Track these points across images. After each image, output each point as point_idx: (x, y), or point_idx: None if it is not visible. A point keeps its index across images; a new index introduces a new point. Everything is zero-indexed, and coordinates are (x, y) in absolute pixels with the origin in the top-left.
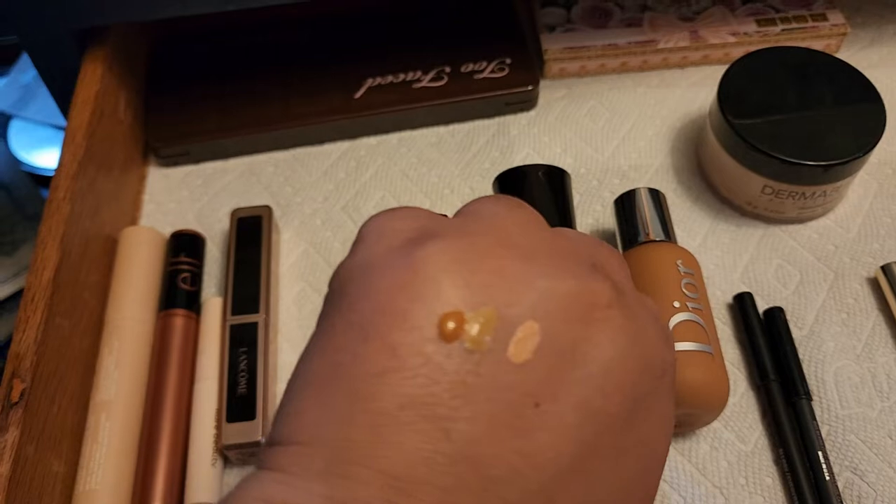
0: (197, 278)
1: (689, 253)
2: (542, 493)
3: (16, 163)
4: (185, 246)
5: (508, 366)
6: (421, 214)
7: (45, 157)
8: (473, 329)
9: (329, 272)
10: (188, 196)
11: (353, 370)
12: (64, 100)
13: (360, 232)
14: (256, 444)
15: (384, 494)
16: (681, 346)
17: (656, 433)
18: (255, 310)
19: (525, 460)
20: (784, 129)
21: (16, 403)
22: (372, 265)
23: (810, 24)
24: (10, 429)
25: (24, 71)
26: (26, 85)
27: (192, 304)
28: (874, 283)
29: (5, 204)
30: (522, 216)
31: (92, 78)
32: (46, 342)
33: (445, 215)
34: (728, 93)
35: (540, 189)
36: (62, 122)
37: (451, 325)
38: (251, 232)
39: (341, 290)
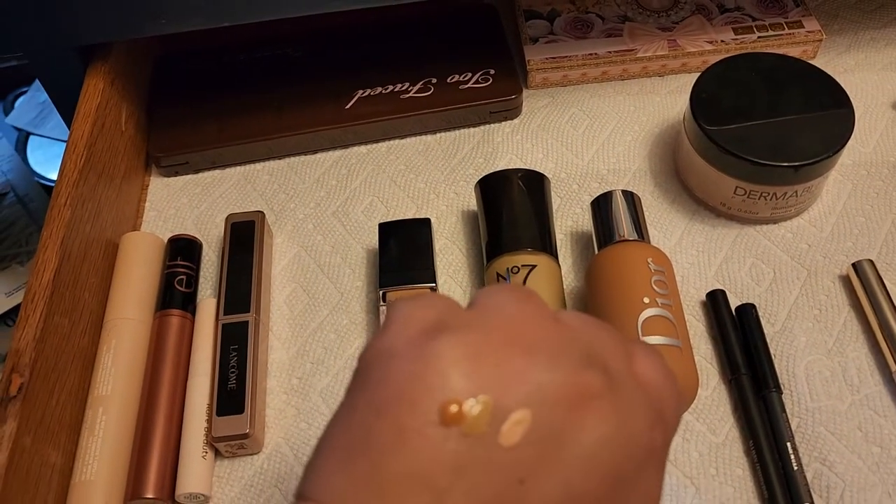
0: (193, 280)
1: (661, 252)
2: None
3: (33, 177)
4: (182, 250)
5: (499, 448)
6: (439, 304)
7: None
8: (471, 416)
9: (319, 274)
10: (187, 203)
11: (368, 443)
12: (68, 113)
13: (387, 315)
14: (244, 436)
15: None
16: (650, 339)
17: (641, 496)
18: (247, 309)
19: None
20: (755, 132)
21: (14, 397)
22: (392, 353)
23: (787, 31)
24: (8, 420)
25: (42, 90)
26: (43, 102)
27: (188, 305)
28: (846, 281)
29: (22, 216)
30: (529, 309)
31: (93, 92)
32: (45, 339)
33: (459, 304)
34: (700, 98)
35: (519, 192)
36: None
37: (451, 412)
38: (244, 236)
39: (366, 372)
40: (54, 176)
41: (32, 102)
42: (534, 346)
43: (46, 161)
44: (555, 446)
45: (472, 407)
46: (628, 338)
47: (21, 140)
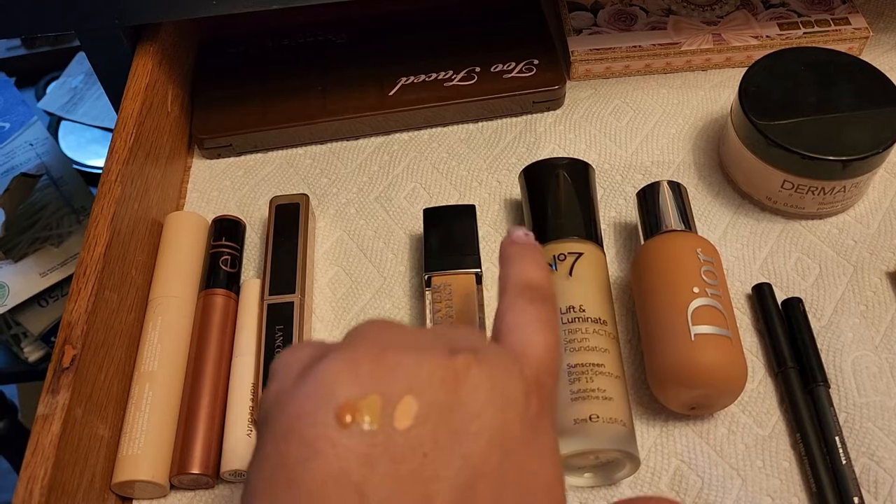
0: (237, 261)
1: (709, 242)
2: None
3: (65, 160)
4: (227, 230)
5: (396, 432)
6: (312, 344)
7: (91, 156)
8: (364, 413)
9: (362, 258)
10: (230, 185)
11: (283, 466)
12: (116, 92)
13: (270, 369)
14: None
15: None
16: (699, 329)
17: (533, 457)
18: (292, 290)
19: (426, 500)
20: (804, 126)
21: (67, 368)
22: (282, 392)
23: (833, 27)
24: (62, 391)
25: (73, 75)
26: (75, 88)
27: (232, 284)
28: (893, 277)
29: (55, 198)
30: (391, 325)
31: (143, 72)
32: (96, 313)
33: (328, 342)
34: (749, 90)
35: (564, 181)
36: (107, 123)
37: (346, 415)
38: (289, 218)
39: (265, 418)
40: (85, 160)
41: (64, 88)
42: (401, 346)
43: (78, 146)
44: (444, 418)
45: (363, 405)
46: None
47: (53, 125)
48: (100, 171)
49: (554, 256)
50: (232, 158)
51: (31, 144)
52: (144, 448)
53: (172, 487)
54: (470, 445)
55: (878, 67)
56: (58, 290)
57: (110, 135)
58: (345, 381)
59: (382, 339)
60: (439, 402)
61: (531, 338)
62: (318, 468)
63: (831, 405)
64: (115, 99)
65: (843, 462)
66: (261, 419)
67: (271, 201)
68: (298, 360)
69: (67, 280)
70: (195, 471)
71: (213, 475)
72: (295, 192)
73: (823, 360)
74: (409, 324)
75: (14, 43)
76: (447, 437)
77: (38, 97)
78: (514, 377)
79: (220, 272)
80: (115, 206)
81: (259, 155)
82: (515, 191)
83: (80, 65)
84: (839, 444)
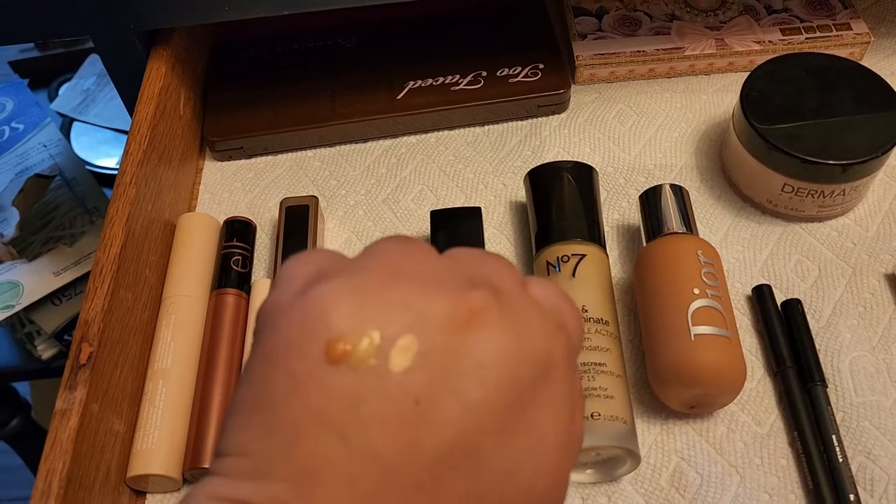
0: (248, 261)
1: (710, 244)
2: (429, 470)
3: (78, 161)
4: (238, 231)
5: (391, 374)
6: (322, 257)
7: (103, 157)
8: (356, 351)
9: None
10: (240, 187)
11: (266, 395)
12: (129, 95)
13: (277, 274)
14: None
15: (295, 486)
16: (699, 329)
17: (544, 416)
18: None
19: (412, 448)
20: (804, 130)
21: (84, 365)
22: (277, 308)
23: (834, 33)
24: (79, 387)
25: (86, 77)
26: (87, 90)
27: (243, 284)
28: (892, 279)
29: (68, 198)
30: (411, 248)
31: (156, 75)
32: (112, 311)
33: (343, 255)
34: (751, 95)
35: (568, 183)
36: (119, 125)
37: (337, 350)
38: (299, 219)
39: (258, 331)
40: (97, 161)
41: (76, 90)
42: (415, 277)
43: (90, 147)
44: (446, 364)
45: (357, 342)
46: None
47: (65, 126)
48: (111, 172)
49: (557, 258)
50: (243, 161)
51: (45, 145)
52: (158, 443)
53: (185, 482)
54: (470, 397)
55: (878, 72)
56: (71, 289)
57: (122, 136)
58: (342, 311)
59: (396, 265)
60: (443, 345)
61: (562, 303)
62: (298, 405)
63: (829, 404)
64: (130, 102)
65: (840, 460)
66: (256, 328)
67: (281, 203)
68: (302, 275)
69: (81, 279)
70: (207, 465)
71: None
72: (304, 195)
73: (821, 361)
74: None
75: (27, 45)
76: (445, 385)
77: (51, 99)
78: (538, 328)
79: (231, 272)
80: (130, 208)
81: (269, 157)
82: (520, 193)
83: (93, 66)
84: (836, 443)
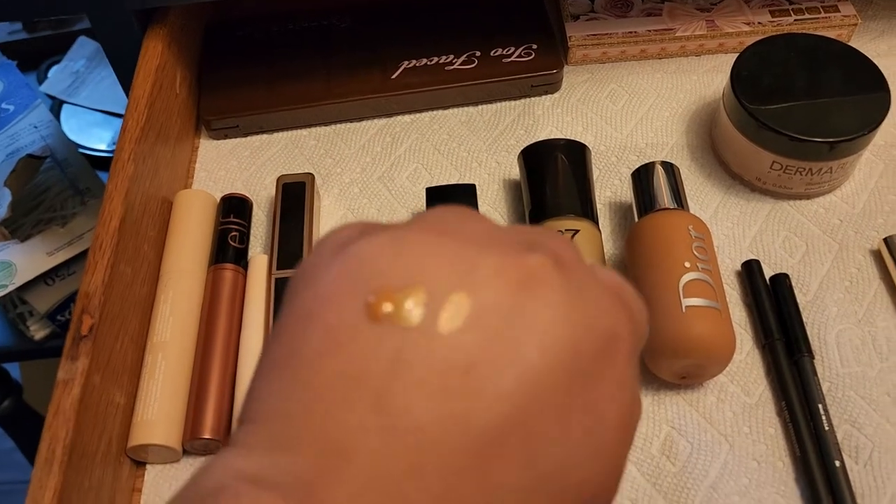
0: (245, 237)
1: (700, 220)
2: (475, 453)
3: (69, 142)
4: (235, 208)
5: (438, 337)
6: (366, 222)
7: (93, 139)
8: (401, 307)
9: None
10: (236, 165)
11: (300, 353)
12: (126, 74)
13: (313, 245)
14: None
15: (321, 462)
16: (690, 301)
17: (605, 398)
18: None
19: (458, 424)
20: (793, 109)
21: (85, 336)
22: (315, 265)
23: (822, 14)
24: (81, 358)
25: (75, 59)
26: (77, 72)
27: (241, 260)
28: (877, 255)
29: (60, 180)
30: (467, 212)
31: (153, 53)
32: (112, 285)
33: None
34: (741, 75)
35: (562, 161)
36: (109, 107)
37: (380, 305)
38: (295, 196)
39: (293, 289)
40: (87, 143)
41: (66, 72)
42: (469, 236)
43: (80, 129)
44: (501, 328)
45: (402, 297)
46: None
47: (55, 108)
48: (102, 154)
49: None
50: (238, 139)
51: (36, 127)
52: (158, 414)
53: (185, 453)
54: (529, 366)
55: (865, 54)
56: (64, 270)
57: (112, 119)
58: (386, 263)
59: (448, 224)
60: (499, 306)
61: (625, 286)
62: (334, 364)
63: (815, 375)
64: (126, 81)
65: (826, 428)
66: (288, 294)
67: (278, 180)
68: (343, 236)
69: (73, 259)
70: (206, 436)
71: (224, 440)
72: (300, 172)
73: (808, 333)
74: None
75: (16, 27)
76: (501, 352)
77: (40, 81)
78: (603, 300)
79: (228, 248)
80: (129, 183)
81: (265, 136)
82: (514, 171)
83: (82, 49)
84: (822, 412)
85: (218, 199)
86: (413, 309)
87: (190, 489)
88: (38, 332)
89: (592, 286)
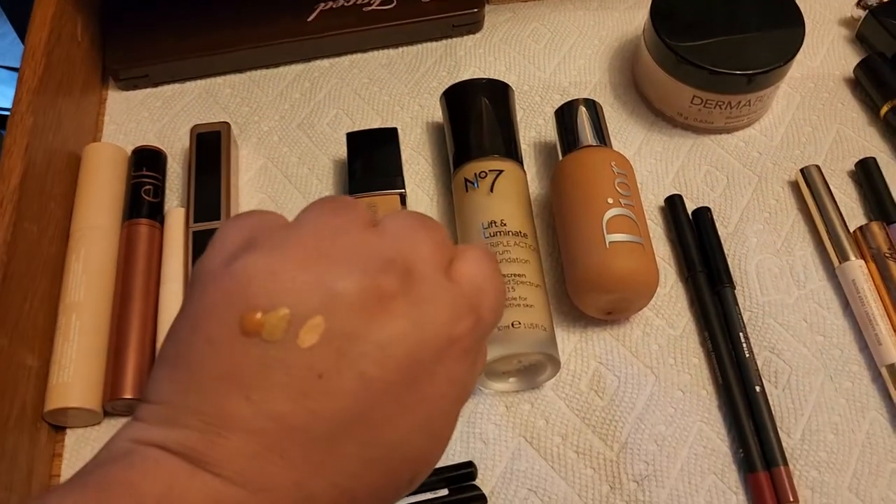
0: (159, 191)
1: (623, 156)
2: (328, 437)
3: None
4: (147, 160)
5: (297, 349)
6: (255, 223)
7: None
8: (268, 325)
9: (287, 184)
10: (148, 117)
11: (187, 355)
12: (21, 22)
13: (213, 235)
14: None
15: (204, 435)
16: (614, 237)
17: (441, 393)
18: (217, 217)
19: (313, 415)
20: (712, 44)
21: None
22: (206, 273)
23: None
24: None
25: None
26: None
27: (156, 214)
28: (794, 186)
29: None
30: (340, 221)
31: (48, 1)
32: (16, 244)
33: (276, 221)
34: (661, 9)
35: (484, 101)
36: (10, 62)
37: (251, 322)
38: (211, 146)
39: (189, 292)
40: None
41: None
42: (333, 257)
43: None
44: (350, 344)
45: (269, 317)
46: (463, 245)
47: None
48: (6, 113)
49: (475, 174)
50: (149, 89)
51: None
52: (74, 376)
53: (107, 414)
54: (368, 375)
55: None
56: None
57: (13, 73)
58: (259, 287)
59: (319, 243)
60: (349, 327)
61: (486, 283)
62: (212, 367)
63: (737, 305)
64: (21, 29)
65: (747, 356)
66: (188, 285)
67: (192, 130)
68: (234, 242)
69: None
70: (128, 395)
71: None
72: (216, 122)
73: (730, 264)
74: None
75: None
76: (347, 363)
77: None
78: (444, 312)
79: (142, 202)
80: (29, 137)
81: (177, 85)
82: (437, 114)
83: None
84: (743, 340)
85: (129, 153)
86: (278, 327)
87: (102, 454)
88: None
89: (437, 297)
